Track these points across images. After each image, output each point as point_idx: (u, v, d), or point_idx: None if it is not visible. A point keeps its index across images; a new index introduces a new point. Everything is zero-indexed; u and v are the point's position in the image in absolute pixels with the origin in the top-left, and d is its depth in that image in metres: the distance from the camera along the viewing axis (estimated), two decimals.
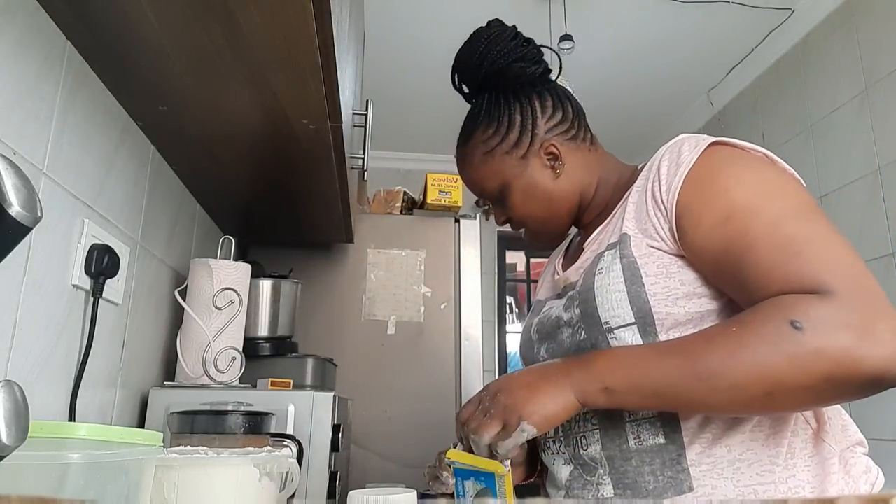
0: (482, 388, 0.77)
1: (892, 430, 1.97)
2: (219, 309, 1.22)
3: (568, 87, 0.96)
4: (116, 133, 1.02)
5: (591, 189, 0.91)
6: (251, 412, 0.85)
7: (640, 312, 0.73)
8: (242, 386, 1.23)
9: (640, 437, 0.74)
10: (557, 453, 0.83)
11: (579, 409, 0.69)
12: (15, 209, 0.45)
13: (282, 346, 1.44)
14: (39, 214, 0.47)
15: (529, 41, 0.93)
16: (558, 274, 0.92)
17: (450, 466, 0.76)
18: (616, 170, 0.92)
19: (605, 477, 0.76)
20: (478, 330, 1.93)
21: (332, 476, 1.17)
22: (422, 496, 0.69)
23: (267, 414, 0.87)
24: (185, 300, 1.24)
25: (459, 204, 2.02)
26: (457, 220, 2.02)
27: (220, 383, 1.19)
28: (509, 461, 0.70)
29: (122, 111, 1.03)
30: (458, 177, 2.01)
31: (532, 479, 0.96)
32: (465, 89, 0.97)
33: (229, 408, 0.85)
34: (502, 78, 0.91)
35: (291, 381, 1.26)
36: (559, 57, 0.99)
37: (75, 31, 0.84)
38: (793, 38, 2.67)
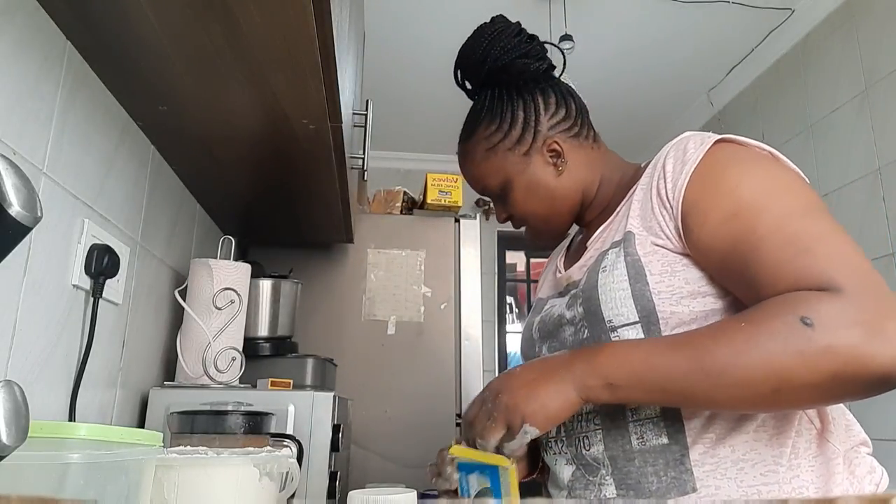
0: (484, 387, 0.77)
1: (892, 430, 1.97)
2: (219, 309, 1.21)
3: (571, 85, 0.95)
4: (116, 133, 1.02)
5: (594, 187, 0.91)
6: (251, 412, 0.85)
7: (644, 311, 0.73)
8: (242, 386, 1.22)
9: (643, 437, 0.73)
10: (559, 453, 0.82)
11: (581, 405, 0.68)
12: (15, 209, 0.45)
13: (282, 346, 1.44)
14: (39, 214, 0.47)
15: (533, 38, 0.92)
16: (560, 272, 0.91)
17: (453, 461, 0.76)
18: (619, 168, 0.92)
19: (607, 477, 0.75)
20: (478, 330, 1.93)
21: (332, 476, 1.17)
22: (422, 496, 0.69)
23: (267, 414, 0.87)
24: (185, 300, 1.24)
25: (459, 204, 2.02)
26: (457, 220, 2.02)
27: (220, 383, 1.19)
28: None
29: (121, 111, 1.03)
30: (459, 177, 2.02)
31: (533, 477, 0.95)
32: (468, 85, 0.96)
33: (229, 408, 0.85)
34: (505, 74, 0.90)
35: (291, 381, 1.26)
36: (563, 54, 0.98)
37: (75, 31, 0.84)
38: (793, 38, 2.67)
